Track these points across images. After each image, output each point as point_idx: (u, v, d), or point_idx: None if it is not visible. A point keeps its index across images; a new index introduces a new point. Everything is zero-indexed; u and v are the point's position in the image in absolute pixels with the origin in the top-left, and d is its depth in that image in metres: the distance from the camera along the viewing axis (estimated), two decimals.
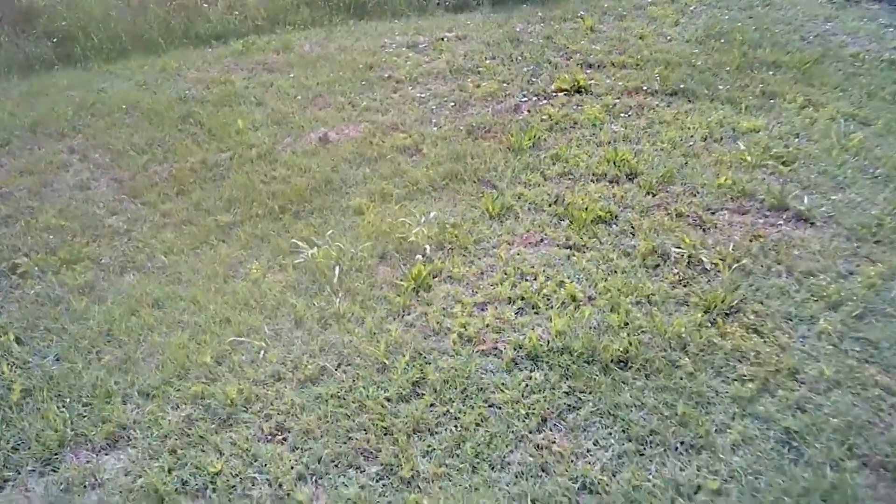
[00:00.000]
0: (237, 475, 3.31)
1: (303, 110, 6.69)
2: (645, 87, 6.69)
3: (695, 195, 5.09)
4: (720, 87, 6.61)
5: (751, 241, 4.57)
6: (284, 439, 3.49)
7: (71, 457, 3.46)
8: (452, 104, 6.62)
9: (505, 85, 6.90)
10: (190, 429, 3.55)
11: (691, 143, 5.71)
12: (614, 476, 3.21)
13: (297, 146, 6.09)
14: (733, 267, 4.32)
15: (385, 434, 3.47)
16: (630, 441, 3.35)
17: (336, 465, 3.34)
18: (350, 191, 5.40)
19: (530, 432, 3.43)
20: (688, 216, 4.87)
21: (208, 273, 4.61)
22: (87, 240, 5.08)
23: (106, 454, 3.48)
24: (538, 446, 3.37)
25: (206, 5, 8.55)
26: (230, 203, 5.35)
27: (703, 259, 4.44)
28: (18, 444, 3.53)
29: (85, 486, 3.31)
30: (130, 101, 7.09)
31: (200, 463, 3.37)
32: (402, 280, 4.40)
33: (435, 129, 6.20)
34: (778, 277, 4.25)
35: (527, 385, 3.67)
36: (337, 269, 4.46)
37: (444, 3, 9.04)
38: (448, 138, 5.99)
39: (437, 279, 4.43)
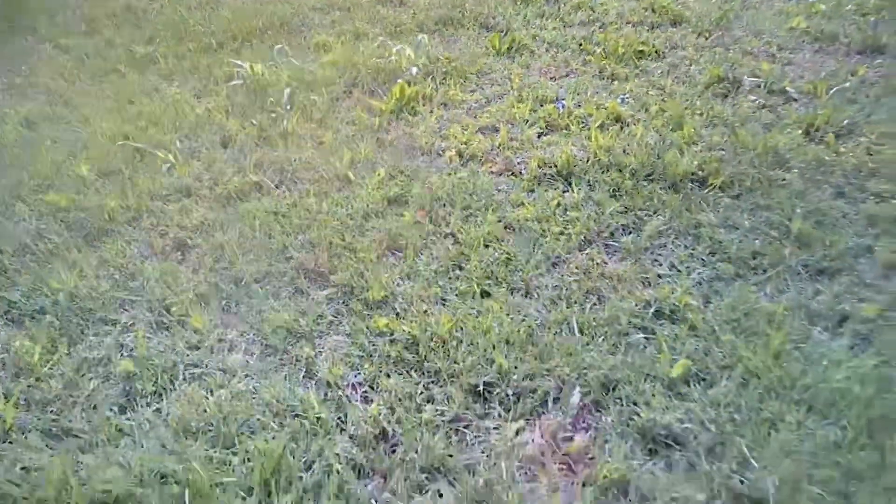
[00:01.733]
0: (98, 296, 2.03)
1: None
2: None
3: (760, 37, 3.89)
4: None
5: (849, 74, 3.38)
6: (183, 256, 2.22)
7: None
8: None
9: None
10: (36, 245, 2.27)
11: None
12: (708, 303, 1.99)
13: None
14: (832, 91, 3.13)
15: (345, 251, 2.21)
16: (725, 262, 2.13)
17: (263, 287, 2.07)
18: (314, 32, 4.13)
19: (569, 252, 2.19)
20: (757, 54, 3.67)
21: (109, 96, 3.33)
22: None
23: None
24: (582, 269, 2.13)
25: None
26: (153, 39, 4.06)
27: (789, 88, 3.24)
28: None
29: None
30: None
31: (41, 281, 2.08)
32: (378, 101, 3.16)
33: None
34: None
35: (559, 203, 2.44)
36: (288, 89, 3.20)
37: None
38: None
39: (426, 107, 3.18)
